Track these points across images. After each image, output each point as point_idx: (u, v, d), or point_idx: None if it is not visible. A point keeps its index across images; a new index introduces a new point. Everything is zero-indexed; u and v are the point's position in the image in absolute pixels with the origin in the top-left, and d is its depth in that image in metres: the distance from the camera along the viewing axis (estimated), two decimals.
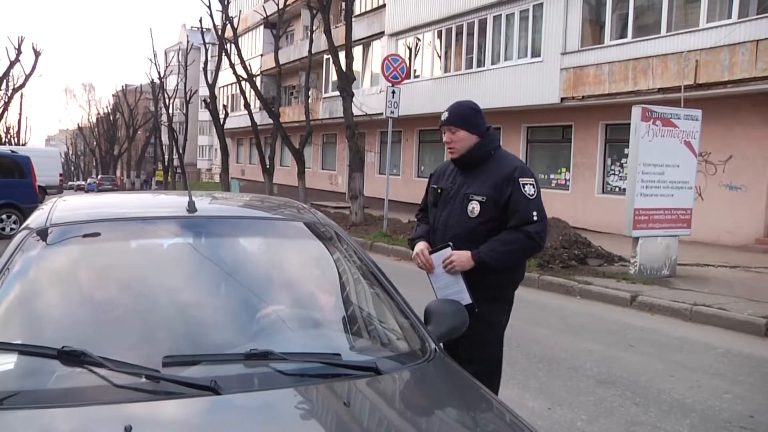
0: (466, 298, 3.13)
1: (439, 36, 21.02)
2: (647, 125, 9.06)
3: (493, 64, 18.62)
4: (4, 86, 35.34)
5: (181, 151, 39.23)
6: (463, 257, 3.21)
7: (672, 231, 9.49)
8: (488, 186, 3.23)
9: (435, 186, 3.51)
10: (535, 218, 3.16)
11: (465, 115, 3.34)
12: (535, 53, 17.14)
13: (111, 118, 66.90)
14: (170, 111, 43.65)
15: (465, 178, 3.34)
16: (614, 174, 16.22)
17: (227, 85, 38.85)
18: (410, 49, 22.27)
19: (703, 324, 7.23)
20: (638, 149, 9.08)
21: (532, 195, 3.18)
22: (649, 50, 14.03)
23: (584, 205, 16.37)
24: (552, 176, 17.89)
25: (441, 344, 2.34)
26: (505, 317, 3.37)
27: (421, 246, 3.41)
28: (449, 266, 3.23)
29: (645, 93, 13.80)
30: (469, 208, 3.26)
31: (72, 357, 1.80)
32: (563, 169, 17.63)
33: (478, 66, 19.20)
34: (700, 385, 5.15)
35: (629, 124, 9.22)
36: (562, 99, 16.25)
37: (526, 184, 3.19)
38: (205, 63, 34.06)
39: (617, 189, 15.80)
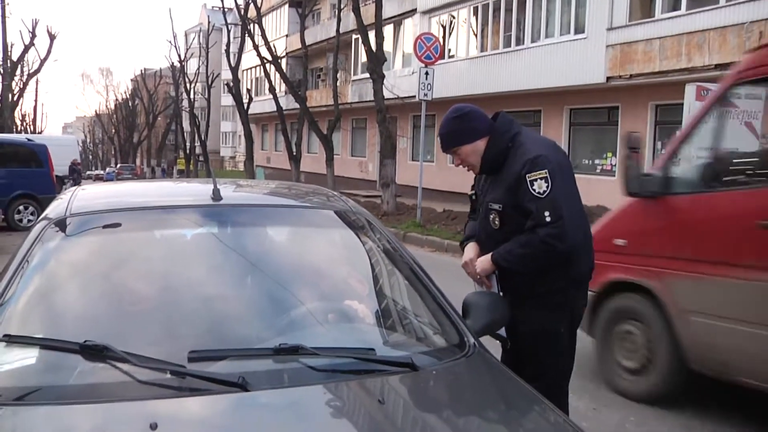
0: (501, 330, 2.99)
1: (475, 12, 20.84)
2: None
3: (533, 42, 18.40)
4: (18, 72, 35.93)
5: (203, 138, 39.64)
6: (484, 261, 3.09)
7: None
8: (502, 191, 3.04)
9: (470, 193, 3.39)
10: (547, 219, 2.88)
11: (454, 131, 3.12)
12: (579, 29, 16.89)
13: (130, 104, 67.85)
14: (191, 96, 44.03)
15: (489, 182, 3.18)
16: None
17: (251, 68, 39.05)
18: (444, 27, 22.12)
19: None
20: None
21: (543, 192, 2.89)
22: (705, 23, 13.69)
23: None
24: (597, 161, 17.65)
25: (479, 338, 2.32)
26: (562, 325, 3.06)
27: (470, 253, 3.23)
28: (476, 274, 3.14)
29: (700, 70, 13.50)
30: (491, 218, 3.10)
31: (94, 352, 1.83)
32: (609, 154, 17.38)
33: (517, 44, 19.00)
34: None
35: (682, 104, 9.08)
36: (608, 78, 15.99)
37: (535, 179, 2.91)
38: (228, 45, 34.30)
39: None
